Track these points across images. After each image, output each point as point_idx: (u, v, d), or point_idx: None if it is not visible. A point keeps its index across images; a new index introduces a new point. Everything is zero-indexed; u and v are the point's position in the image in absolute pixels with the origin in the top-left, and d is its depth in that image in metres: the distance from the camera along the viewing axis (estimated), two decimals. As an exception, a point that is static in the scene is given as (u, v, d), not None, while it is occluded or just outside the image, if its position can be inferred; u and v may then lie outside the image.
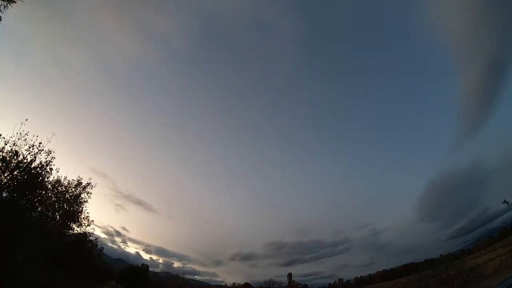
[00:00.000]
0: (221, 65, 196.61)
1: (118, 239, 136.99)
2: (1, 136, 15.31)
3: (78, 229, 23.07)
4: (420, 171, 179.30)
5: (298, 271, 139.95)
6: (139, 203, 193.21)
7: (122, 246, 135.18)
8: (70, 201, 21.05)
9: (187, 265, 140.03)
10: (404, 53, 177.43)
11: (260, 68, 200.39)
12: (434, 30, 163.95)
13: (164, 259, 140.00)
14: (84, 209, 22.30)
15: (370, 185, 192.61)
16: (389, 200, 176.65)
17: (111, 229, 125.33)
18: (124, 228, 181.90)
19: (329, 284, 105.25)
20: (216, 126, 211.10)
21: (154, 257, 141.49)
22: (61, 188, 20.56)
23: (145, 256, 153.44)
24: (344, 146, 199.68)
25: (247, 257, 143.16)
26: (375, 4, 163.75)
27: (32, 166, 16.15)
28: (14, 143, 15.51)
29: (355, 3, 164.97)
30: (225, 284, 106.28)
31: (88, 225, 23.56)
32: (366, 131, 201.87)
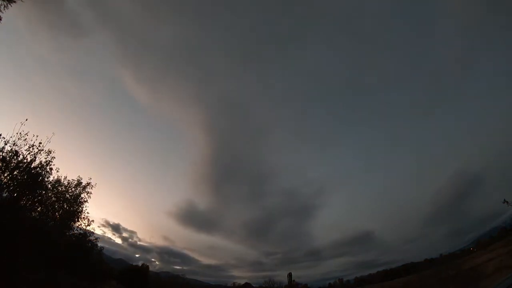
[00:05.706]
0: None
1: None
2: (1, 136, 15.33)
3: (79, 228, 23.16)
4: (420, 174, 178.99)
5: (298, 271, 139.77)
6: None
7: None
8: (70, 201, 21.10)
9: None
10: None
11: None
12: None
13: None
14: (84, 208, 22.38)
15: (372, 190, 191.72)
16: (391, 200, 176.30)
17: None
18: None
19: (329, 284, 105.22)
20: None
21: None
22: (61, 188, 20.60)
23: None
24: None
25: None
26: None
27: (32, 166, 16.18)
28: (14, 143, 15.53)
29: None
30: (225, 284, 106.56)
31: (88, 225, 23.65)
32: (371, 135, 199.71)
